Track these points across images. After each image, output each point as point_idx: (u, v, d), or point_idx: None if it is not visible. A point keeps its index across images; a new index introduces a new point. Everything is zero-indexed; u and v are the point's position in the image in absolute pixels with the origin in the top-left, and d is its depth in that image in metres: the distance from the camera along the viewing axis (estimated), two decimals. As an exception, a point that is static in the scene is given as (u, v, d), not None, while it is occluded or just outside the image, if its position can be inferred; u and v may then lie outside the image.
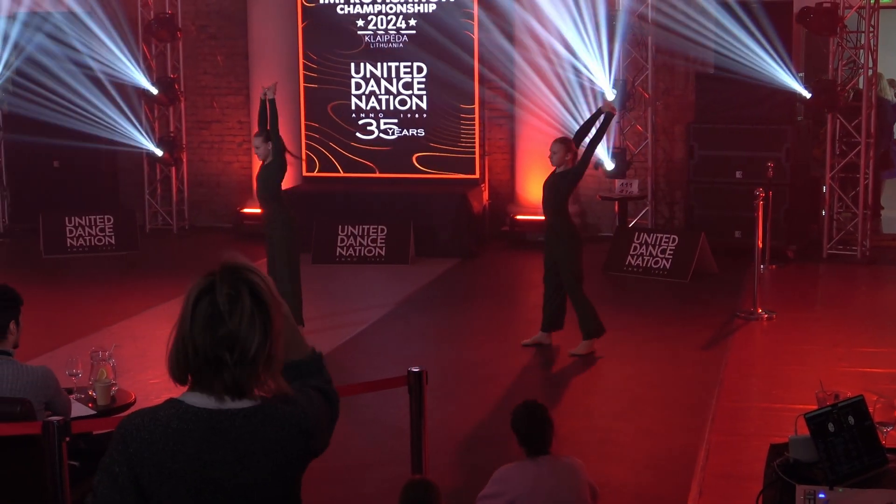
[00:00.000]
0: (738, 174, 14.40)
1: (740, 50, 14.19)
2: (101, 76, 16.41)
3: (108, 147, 16.96)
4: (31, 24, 16.37)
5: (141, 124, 16.99)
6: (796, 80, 14.32)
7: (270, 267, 10.72)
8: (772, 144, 14.24)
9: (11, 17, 16.45)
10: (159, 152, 16.93)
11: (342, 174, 16.27)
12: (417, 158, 16.02)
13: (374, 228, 14.77)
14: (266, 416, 2.97)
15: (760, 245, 12.12)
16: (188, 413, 2.93)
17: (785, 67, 14.12)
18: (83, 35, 16.20)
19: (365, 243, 14.73)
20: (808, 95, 14.43)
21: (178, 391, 3.03)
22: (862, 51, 14.59)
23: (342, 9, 16.07)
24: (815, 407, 5.15)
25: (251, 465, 2.93)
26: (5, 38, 16.36)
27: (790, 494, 4.87)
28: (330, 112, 16.27)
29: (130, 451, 2.91)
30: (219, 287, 2.91)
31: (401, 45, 15.99)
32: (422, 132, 16.03)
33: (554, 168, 10.27)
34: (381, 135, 16.18)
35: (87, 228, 15.55)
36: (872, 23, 14.40)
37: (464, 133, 15.87)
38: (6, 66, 16.42)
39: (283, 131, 16.30)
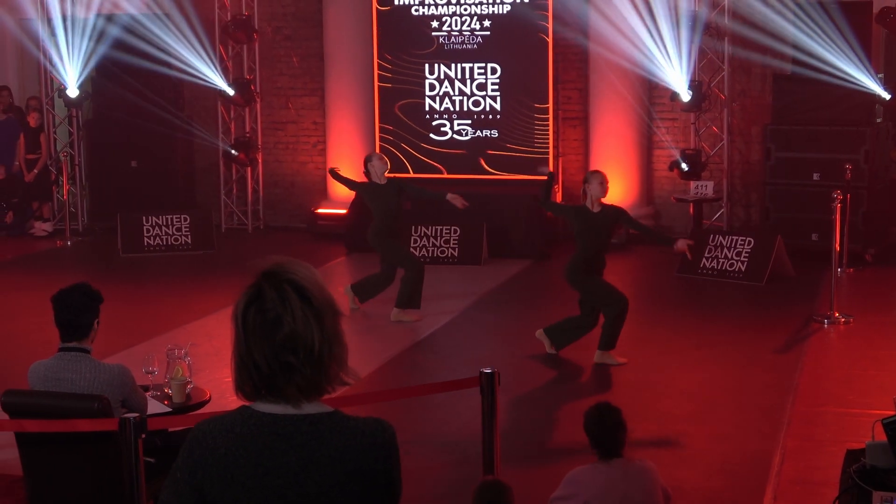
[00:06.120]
0: (816, 176, 14.22)
1: (818, 51, 14.02)
2: (179, 77, 16.61)
3: (185, 148, 17.20)
4: (110, 25, 16.59)
5: (217, 125, 17.18)
6: (875, 81, 14.12)
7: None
8: (850, 146, 14.04)
9: (90, 18, 16.70)
10: (235, 153, 17.09)
11: (412, 175, 16.31)
12: (488, 160, 16.00)
13: (447, 229, 14.80)
14: (336, 423, 2.85)
15: (838, 248, 11.97)
16: (252, 418, 2.85)
17: (864, 68, 13.92)
18: (161, 36, 16.40)
19: (438, 244, 14.76)
20: (887, 97, 14.22)
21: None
22: (943, 51, 14.40)
23: (416, 10, 16.11)
24: (893, 412, 5.08)
25: (315, 474, 2.80)
26: (85, 39, 16.60)
27: (866, 501, 4.81)
28: (399, 112, 16.28)
29: (195, 456, 2.85)
30: (265, 293, 2.83)
31: (475, 45, 15.99)
32: (495, 133, 16.02)
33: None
34: (455, 136, 16.19)
35: (163, 228, 15.73)
36: (954, 23, 14.20)
37: (538, 134, 15.83)
38: (85, 66, 16.67)
39: (357, 130, 16.53)
